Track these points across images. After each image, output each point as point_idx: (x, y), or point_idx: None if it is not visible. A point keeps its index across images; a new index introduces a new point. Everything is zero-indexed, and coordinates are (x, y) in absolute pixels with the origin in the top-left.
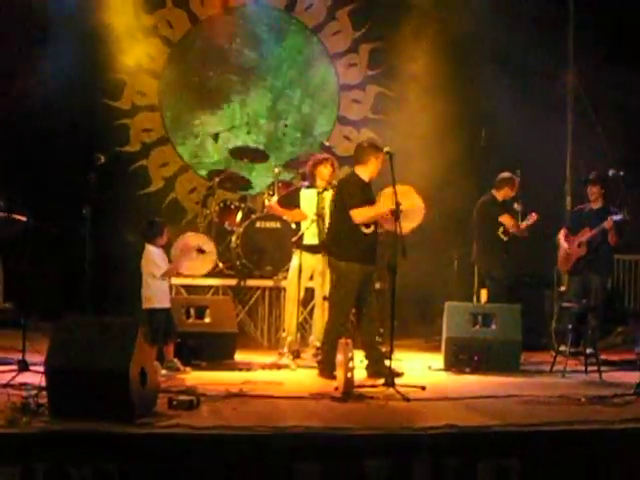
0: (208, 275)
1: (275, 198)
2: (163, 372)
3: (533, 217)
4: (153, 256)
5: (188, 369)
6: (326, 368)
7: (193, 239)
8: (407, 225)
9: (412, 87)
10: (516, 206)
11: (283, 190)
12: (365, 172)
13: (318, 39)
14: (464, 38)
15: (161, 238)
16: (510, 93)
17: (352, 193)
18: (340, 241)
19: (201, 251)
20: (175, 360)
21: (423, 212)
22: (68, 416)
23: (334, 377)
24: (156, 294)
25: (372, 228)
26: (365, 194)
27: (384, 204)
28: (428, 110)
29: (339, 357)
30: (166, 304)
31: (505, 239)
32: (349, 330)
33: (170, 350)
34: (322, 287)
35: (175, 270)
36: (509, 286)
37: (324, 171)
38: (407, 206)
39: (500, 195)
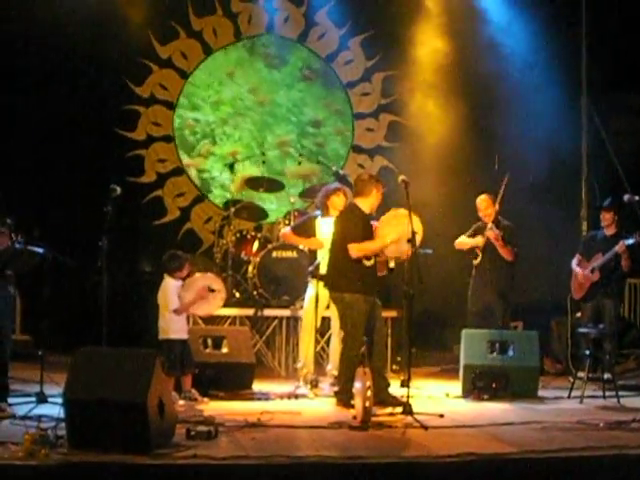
0: (225, 305)
1: (290, 226)
2: (181, 402)
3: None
4: (170, 289)
5: (206, 399)
6: (343, 398)
7: (201, 280)
8: (403, 251)
9: (425, 115)
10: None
11: (299, 219)
12: (366, 204)
13: (331, 68)
14: (476, 67)
15: (181, 272)
16: (525, 119)
17: (350, 226)
18: (342, 274)
19: (211, 290)
20: (193, 390)
21: (420, 236)
22: (87, 448)
23: (352, 406)
24: (172, 325)
25: (373, 260)
26: (365, 227)
27: (382, 238)
28: (441, 137)
29: (357, 386)
30: (183, 335)
31: (476, 262)
32: (361, 360)
33: (188, 380)
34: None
35: (185, 310)
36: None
37: (337, 201)
38: (403, 231)
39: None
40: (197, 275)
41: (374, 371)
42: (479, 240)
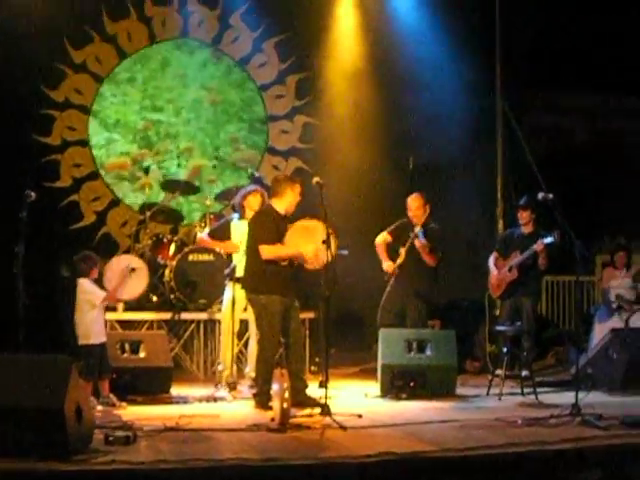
0: (142, 309)
1: (206, 231)
2: (99, 408)
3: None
4: (88, 287)
5: (124, 404)
6: (261, 400)
7: (122, 261)
8: (321, 261)
9: (339, 116)
10: (417, 229)
11: (214, 222)
12: (281, 204)
13: (245, 71)
14: (390, 67)
15: (94, 271)
16: (439, 118)
17: (264, 227)
18: (258, 275)
19: (132, 270)
20: (111, 395)
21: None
22: (3, 455)
23: (270, 408)
24: (92, 329)
25: (288, 260)
26: (278, 228)
27: (294, 247)
28: (356, 138)
29: (275, 388)
30: (102, 339)
31: (398, 262)
32: (279, 361)
33: (105, 385)
34: None
35: (115, 294)
36: (438, 310)
37: (253, 201)
38: (316, 246)
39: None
40: (114, 259)
41: (291, 373)
42: (390, 266)
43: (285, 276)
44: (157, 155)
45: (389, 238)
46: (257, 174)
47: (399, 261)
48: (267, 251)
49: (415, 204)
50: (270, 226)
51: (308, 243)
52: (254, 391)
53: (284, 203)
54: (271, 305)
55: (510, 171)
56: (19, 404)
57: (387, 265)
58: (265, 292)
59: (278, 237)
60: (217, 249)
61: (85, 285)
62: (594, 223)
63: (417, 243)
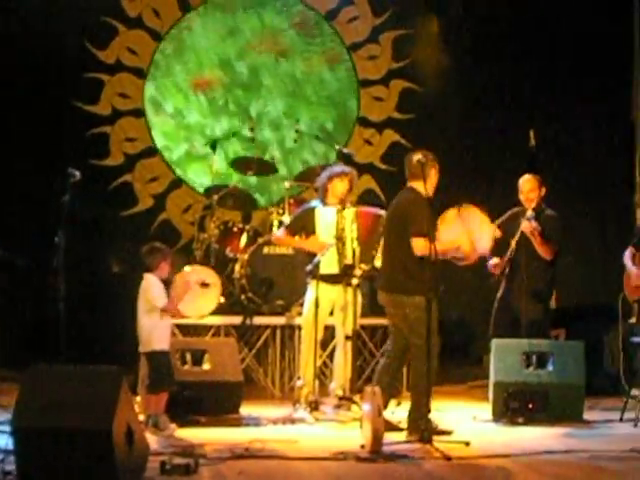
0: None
1: (285, 221)
2: (172, 426)
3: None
4: (154, 286)
5: (173, 426)
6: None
7: (193, 273)
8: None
9: (445, 81)
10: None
11: (295, 208)
12: (428, 189)
13: (332, 27)
14: (508, 18)
15: (162, 267)
16: (563, 86)
17: (418, 217)
18: (408, 272)
19: (204, 285)
20: (164, 417)
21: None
22: None
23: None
24: (154, 333)
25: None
26: (431, 218)
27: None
28: (464, 108)
29: (365, 408)
30: (164, 346)
31: (508, 256)
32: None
33: (160, 401)
34: (344, 324)
35: (175, 307)
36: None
37: (339, 186)
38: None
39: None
40: (186, 268)
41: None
42: (496, 265)
43: (429, 274)
44: None
45: (499, 232)
46: (345, 150)
47: (509, 255)
48: (422, 246)
49: (528, 186)
50: (425, 215)
51: (461, 234)
52: (342, 412)
53: (430, 188)
54: (419, 307)
55: None
56: (59, 424)
57: (493, 264)
58: (413, 293)
59: (432, 228)
60: (299, 247)
61: (150, 283)
62: None
63: (527, 228)
